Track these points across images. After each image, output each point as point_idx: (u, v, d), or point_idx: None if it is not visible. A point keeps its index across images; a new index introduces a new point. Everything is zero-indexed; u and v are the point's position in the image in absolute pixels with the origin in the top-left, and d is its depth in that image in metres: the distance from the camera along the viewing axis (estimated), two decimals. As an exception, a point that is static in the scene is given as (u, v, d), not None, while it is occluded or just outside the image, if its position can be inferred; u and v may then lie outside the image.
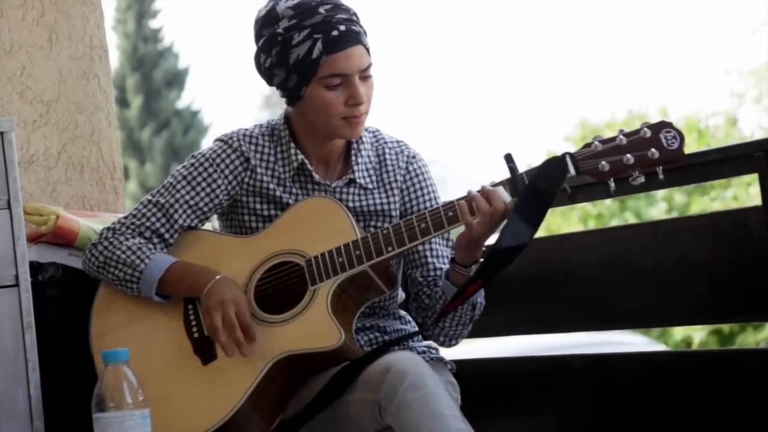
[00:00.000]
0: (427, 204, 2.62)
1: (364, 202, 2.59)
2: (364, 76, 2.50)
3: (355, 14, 2.51)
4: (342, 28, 2.46)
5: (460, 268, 2.45)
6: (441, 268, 2.59)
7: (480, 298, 2.53)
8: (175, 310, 2.54)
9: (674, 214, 11.44)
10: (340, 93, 2.48)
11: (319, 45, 2.45)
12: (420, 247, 2.59)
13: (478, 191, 2.39)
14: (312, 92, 2.49)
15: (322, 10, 2.46)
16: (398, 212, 2.62)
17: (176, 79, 24.40)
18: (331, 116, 2.50)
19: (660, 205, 11.71)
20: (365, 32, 2.51)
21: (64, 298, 2.83)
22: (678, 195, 11.70)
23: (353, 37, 2.47)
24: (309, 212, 2.52)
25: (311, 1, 2.48)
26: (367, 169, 2.61)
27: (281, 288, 2.49)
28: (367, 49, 2.51)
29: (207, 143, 2.67)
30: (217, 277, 2.47)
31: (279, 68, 2.51)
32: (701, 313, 2.83)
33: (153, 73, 23.94)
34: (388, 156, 2.63)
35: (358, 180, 2.59)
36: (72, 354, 2.73)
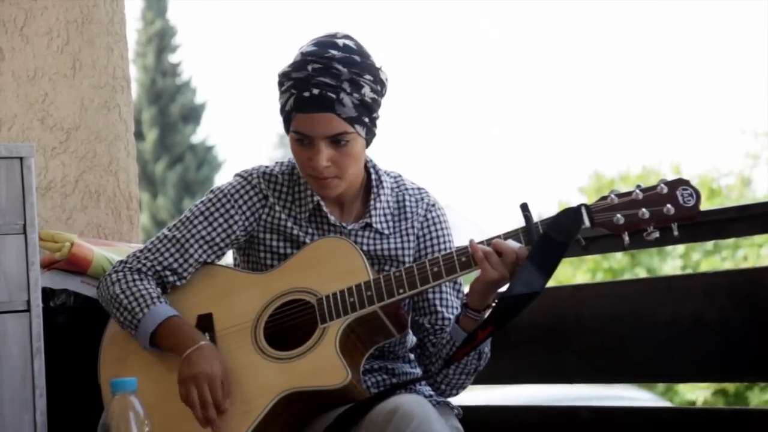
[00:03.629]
0: (443, 253, 2.62)
1: (378, 246, 2.60)
2: (336, 141, 2.46)
3: (348, 80, 2.43)
4: (315, 91, 2.42)
5: (472, 313, 2.45)
6: (449, 318, 2.59)
7: (486, 348, 2.53)
8: (184, 343, 2.54)
9: (688, 271, 11.38)
10: (306, 150, 2.49)
11: (291, 101, 2.46)
12: (430, 295, 2.59)
13: (488, 242, 2.40)
14: (290, 140, 2.53)
15: (310, 68, 2.44)
16: (412, 258, 2.62)
17: (192, 114, 24.52)
18: (301, 168, 2.53)
19: (676, 262, 11.65)
20: (357, 100, 2.44)
21: (75, 326, 2.83)
22: (696, 253, 11.65)
23: (323, 103, 2.42)
24: (323, 252, 2.52)
25: (309, 55, 2.45)
26: (385, 215, 2.61)
27: (291, 325, 2.49)
28: (345, 119, 2.44)
29: (220, 179, 2.70)
30: (200, 343, 2.46)
31: (279, 107, 2.55)
32: (711, 371, 2.82)
33: (169, 106, 24.07)
34: (408, 203, 2.64)
35: (374, 225, 2.59)
36: (79, 382, 2.73)
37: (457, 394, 2.60)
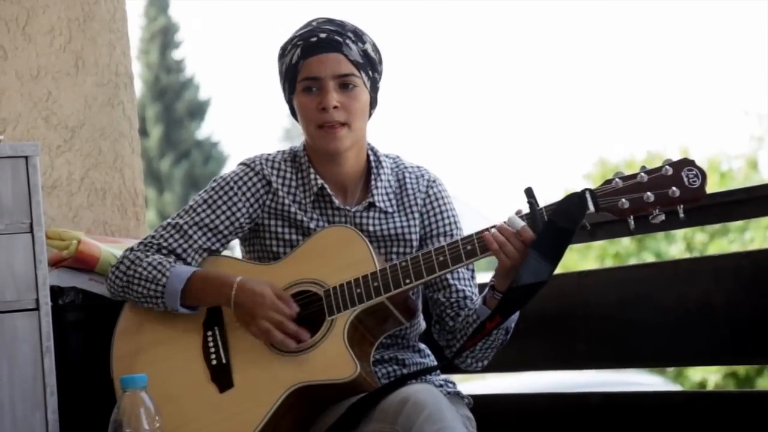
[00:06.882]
0: (447, 228, 2.64)
1: (384, 226, 2.60)
2: (344, 83, 2.53)
3: (352, 31, 2.55)
4: (322, 35, 2.52)
5: (498, 294, 2.45)
6: (463, 290, 2.60)
7: (513, 323, 2.53)
8: (195, 336, 2.55)
9: (695, 254, 11.35)
10: (315, 97, 2.53)
11: (298, 51, 2.53)
12: None
13: (494, 227, 2.39)
14: (296, 101, 2.57)
15: (314, 23, 2.56)
16: (418, 236, 2.63)
17: (197, 110, 24.53)
18: (309, 123, 2.55)
19: (679, 245, 11.63)
20: (361, 50, 2.54)
21: (84, 323, 2.84)
22: (699, 234, 11.62)
23: (331, 44, 2.52)
24: (330, 242, 2.53)
25: (312, 19, 2.58)
26: (387, 193, 2.63)
27: (299, 317, 2.49)
28: (352, 61, 2.53)
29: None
30: (237, 280, 2.48)
31: (280, 80, 2.61)
32: (720, 354, 2.81)
33: (174, 103, 24.08)
34: (408, 180, 2.65)
35: (377, 204, 2.60)
36: (90, 379, 2.74)
37: (482, 366, 2.60)
